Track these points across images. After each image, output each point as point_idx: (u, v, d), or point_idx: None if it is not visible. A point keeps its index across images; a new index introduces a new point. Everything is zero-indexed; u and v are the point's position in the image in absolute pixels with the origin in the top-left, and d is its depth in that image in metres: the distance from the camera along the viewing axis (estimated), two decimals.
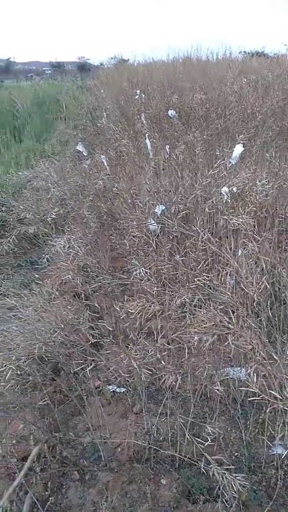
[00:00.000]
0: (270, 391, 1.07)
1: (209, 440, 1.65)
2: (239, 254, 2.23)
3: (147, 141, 4.04)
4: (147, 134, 4.17)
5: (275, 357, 1.27)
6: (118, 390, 2.45)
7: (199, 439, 1.76)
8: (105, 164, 3.85)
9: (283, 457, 1.72)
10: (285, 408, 1.04)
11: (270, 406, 1.23)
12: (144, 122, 4.82)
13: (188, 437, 1.83)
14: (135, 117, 4.95)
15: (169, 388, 2.00)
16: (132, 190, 3.36)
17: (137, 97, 5.92)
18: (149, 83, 6.33)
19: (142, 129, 4.48)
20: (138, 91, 6.08)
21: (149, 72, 7.66)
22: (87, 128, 5.90)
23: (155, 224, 2.80)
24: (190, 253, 2.11)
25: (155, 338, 2.18)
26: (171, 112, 4.52)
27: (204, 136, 3.70)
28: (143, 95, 5.86)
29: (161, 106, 4.87)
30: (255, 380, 1.18)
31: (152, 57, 9.45)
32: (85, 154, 4.64)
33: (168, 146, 4.09)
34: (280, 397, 1.19)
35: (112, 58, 13.22)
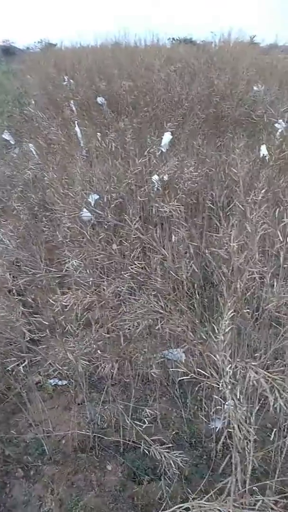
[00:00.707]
0: (198, 369, 1.13)
1: (147, 423, 1.70)
2: (173, 240, 2.30)
3: (77, 128, 3.96)
4: (76, 122, 4.09)
5: (204, 337, 1.33)
6: (60, 383, 2.44)
7: (140, 423, 1.81)
8: (34, 153, 3.72)
9: (217, 429, 1.82)
10: (215, 385, 1.10)
11: (202, 384, 1.30)
12: (73, 109, 4.71)
13: (130, 421, 1.88)
14: (64, 104, 4.81)
15: (110, 376, 2.02)
16: (64, 180, 3.29)
17: (65, 83, 5.76)
18: (77, 69, 6.17)
19: (72, 116, 4.38)
20: (66, 77, 5.91)
21: (77, 57, 7.47)
22: (13, 115, 5.63)
23: (88, 214, 2.77)
24: (124, 242, 2.12)
25: (94, 329, 2.19)
26: (100, 99, 4.45)
27: (134, 124, 3.71)
28: (72, 81, 5.71)
29: (90, 93, 4.79)
30: (183, 360, 1.23)
31: (80, 42, 9.20)
32: (12, 143, 4.43)
33: (99, 133, 4.05)
34: (212, 375, 1.26)
35: (38, 42, 12.70)
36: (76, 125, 4.04)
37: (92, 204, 2.89)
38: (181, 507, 1.39)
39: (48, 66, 7.05)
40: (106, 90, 4.68)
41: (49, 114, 4.65)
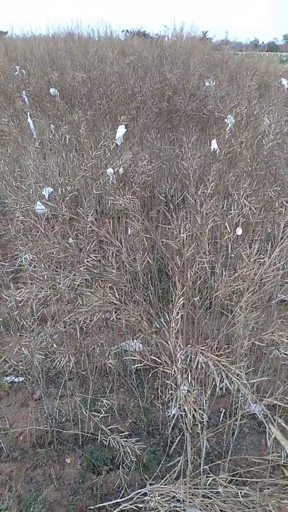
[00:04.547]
0: (153, 357, 1.16)
1: (103, 413, 1.72)
2: (129, 233, 2.31)
3: (29, 120, 3.86)
4: (29, 113, 3.99)
5: (157, 326, 1.37)
6: (16, 380, 2.40)
7: (98, 414, 1.83)
8: None
9: (174, 416, 1.88)
10: (169, 371, 1.14)
11: (158, 373, 1.33)
12: (25, 100, 4.59)
13: (89, 413, 1.89)
14: (15, 94, 4.67)
15: (67, 370, 2.02)
16: (17, 172, 3.22)
17: (16, 73, 5.58)
18: (29, 59, 5.99)
19: (24, 107, 4.26)
20: (17, 67, 5.73)
21: (28, 47, 7.24)
22: None
23: (42, 207, 2.73)
24: (79, 235, 2.12)
25: (51, 323, 2.18)
26: (53, 91, 4.36)
27: (88, 116, 3.68)
28: (24, 71, 5.54)
29: (42, 84, 4.67)
30: (137, 349, 1.26)
31: (32, 31, 8.95)
32: None
33: (52, 125, 3.98)
34: (167, 362, 1.29)
35: None
36: (29, 117, 3.94)
37: (46, 197, 2.84)
38: (139, 493, 1.42)
39: None
40: (59, 81, 4.59)
41: None
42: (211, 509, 1.14)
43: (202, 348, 0.98)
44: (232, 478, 1.30)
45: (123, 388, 2.32)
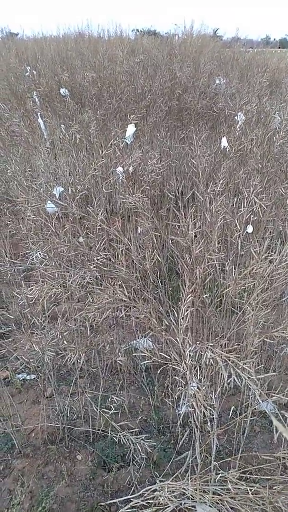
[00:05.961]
0: (163, 354, 1.17)
1: (113, 409, 1.73)
2: (139, 232, 2.32)
3: (40, 120, 3.89)
4: (39, 113, 4.02)
5: (166, 323, 1.37)
6: (28, 377, 2.43)
7: (109, 411, 1.84)
8: None
9: (183, 414, 1.88)
10: (177, 367, 1.15)
11: (168, 371, 1.34)
12: (36, 100, 4.62)
13: (99, 411, 1.90)
14: (26, 95, 4.71)
15: (78, 368, 2.04)
16: (28, 172, 3.25)
17: (27, 73, 5.63)
18: (39, 60, 6.04)
19: (34, 108, 4.30)
20: (28, 68, 5.78)
21: (39, 48, 7.29)
22: None
23: (53, 206, 2.75)
24: (89, 234, 2.13)
25: (61, 321, 2.20)
26: (63, 91, 4.38)
27: (98, 116, 3.69)
28: (34, 72, 5.59)
29: (52, 84, 4.71)
30: (146, 347, 1.26)
31: (42, 32, 9.01)
32: None
33: (63, 125, 4.00)
34: (176, 359, 1.30)
35: None
36: (39, 117, 3.97)
37: (57, 197, 2.87)
38: (149, 489, 1.43)
39: (9, 56, 6.85)
40: (69, 81, 4.61)
41: (11, 106, 4.53)
42: (221, 506, 1.14)
43: (210, 344, 0.99)
44: (242, 475, 1.30)
45: (133, 386, 2.33)
